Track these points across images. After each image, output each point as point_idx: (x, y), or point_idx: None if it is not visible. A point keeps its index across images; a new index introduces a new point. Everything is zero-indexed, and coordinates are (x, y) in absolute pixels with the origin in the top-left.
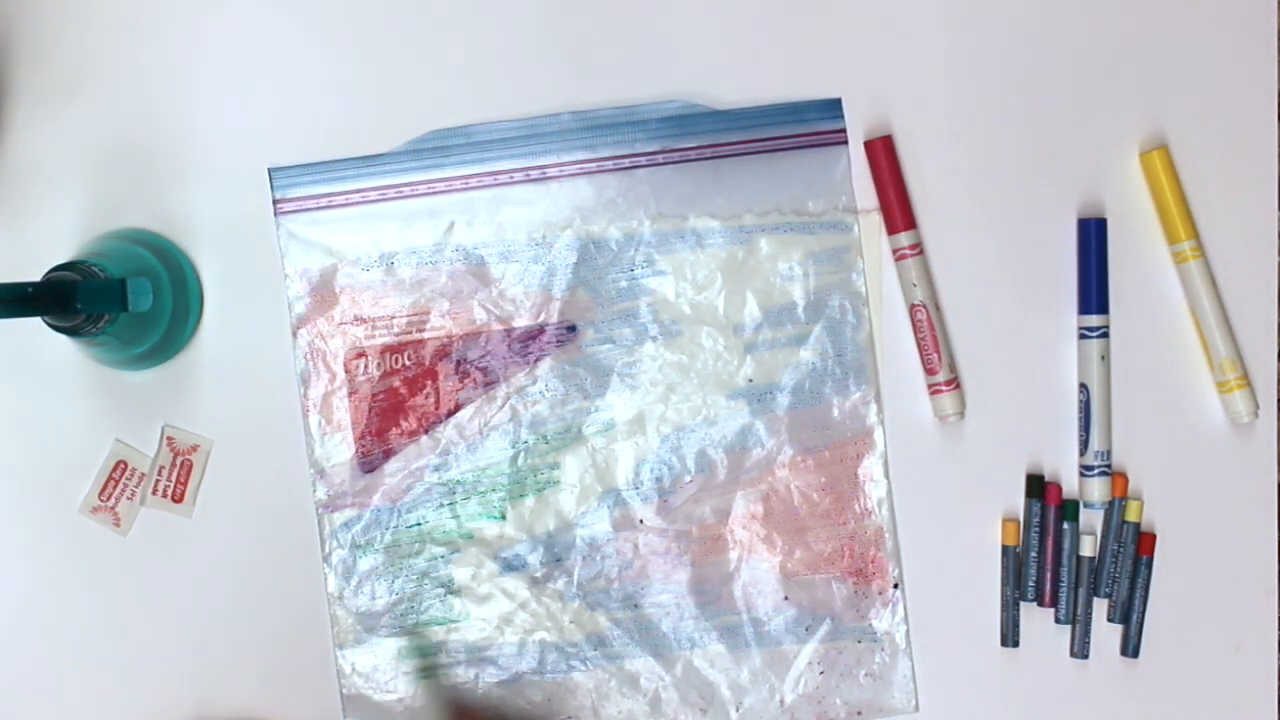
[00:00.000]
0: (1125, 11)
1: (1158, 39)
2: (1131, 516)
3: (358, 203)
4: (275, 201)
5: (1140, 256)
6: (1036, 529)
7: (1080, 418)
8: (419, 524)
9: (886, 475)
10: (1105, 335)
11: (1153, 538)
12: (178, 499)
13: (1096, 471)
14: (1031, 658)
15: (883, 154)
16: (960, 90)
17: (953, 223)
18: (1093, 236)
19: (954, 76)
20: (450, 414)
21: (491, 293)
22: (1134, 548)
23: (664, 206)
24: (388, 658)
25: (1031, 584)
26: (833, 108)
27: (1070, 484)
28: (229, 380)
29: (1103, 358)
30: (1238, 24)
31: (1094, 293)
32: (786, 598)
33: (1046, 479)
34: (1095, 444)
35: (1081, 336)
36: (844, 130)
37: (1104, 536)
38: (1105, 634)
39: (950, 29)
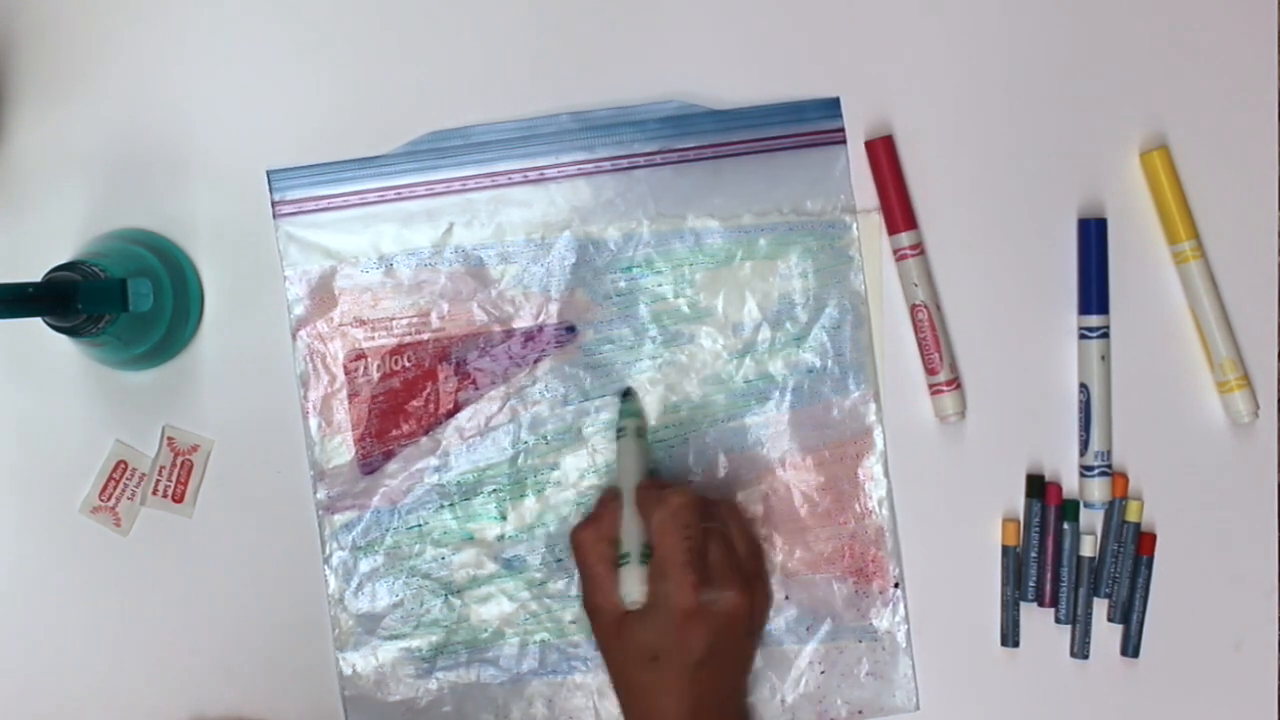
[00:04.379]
0: (1125, 12)
1: (1158, 39)
2: (1131, 516)
3: (356, 204)
4: (274, 203)
5: (1140, 256)
6: (1037, 529)
7: (1080, 418)
8: (419, 525)
9: (886, 475)
10: (1105, 335)
11: (1153, 538)
12: (178, 499)
13: (1097, 472)
14: (1032, 658)
15: (883, 154)
16: (960, 90)
17: (953, 223)
18: (1093, 236)
19: (954, 76)
20: (450, 415)
21: (490, 294)
22: (1134, 548)
23: (663, 207)
24: (388, 659)
25: (1032, 584)
26: (831, 107)
27: (1070, 484)
28: (229, 381)
29: (1103, 358)
30: (1238, 24)
31: (1094, 293)
32: (787, 597)
33: (1047, 479)
34: (1095, 444)
35: (1081, 336)
36: (842, 130)
37: (1104, 536)
38: (1105, 634)
39: (951, 29)
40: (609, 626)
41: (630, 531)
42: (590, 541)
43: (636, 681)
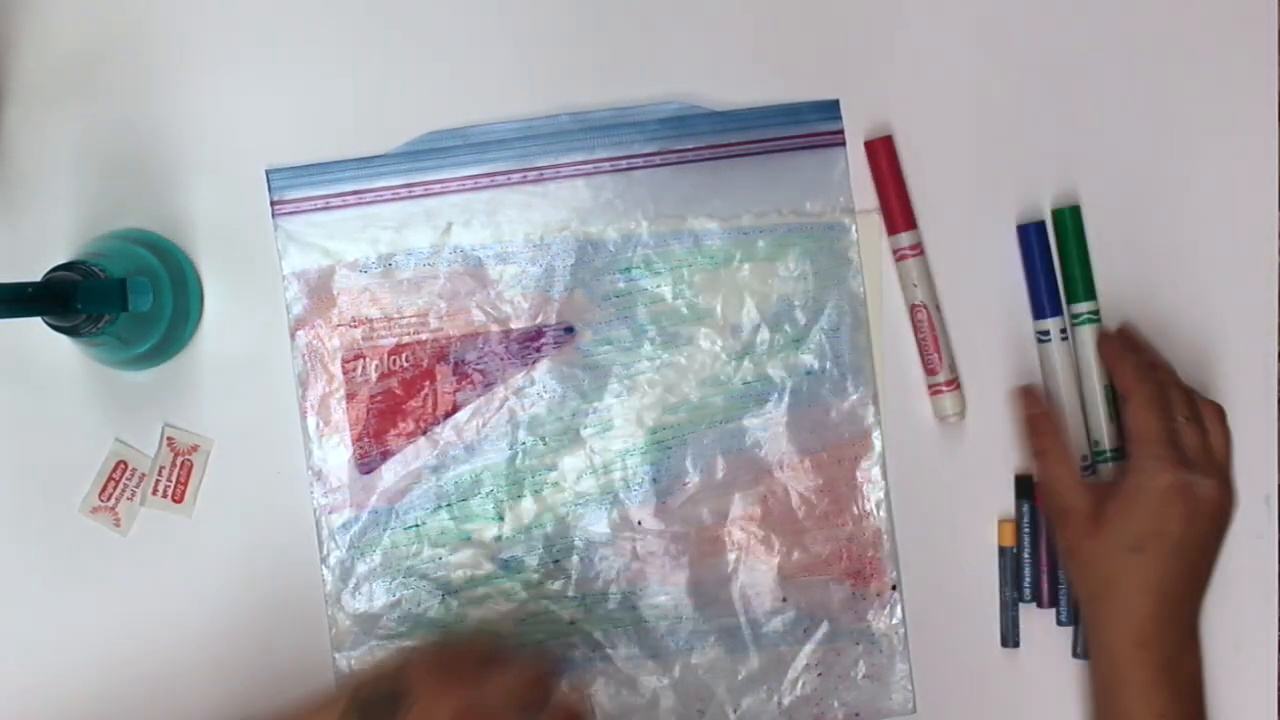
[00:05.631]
0: (1125, 12)
1: (1157, 39)
2: None
3: (355, 204)
4: (273, 203)
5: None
6: (1028, 530)
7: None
8: (417, 525)
9: (884, 477)
10: (1066, 338)
11: None
12: (178, 499)
13: (1083, 473)
14: (1032, 658)
15: (883, 154)
16: (960, 90)
17: (953, 223)
18: (1033, 241)
19: (953, 76)
20: (448, 415)
21: (489, 294)
22: None
23: (662, 208)
24: (386, 659)
25: (1028, 585)
26: (830, 109)
27: None
28: (229, 381)
29: (1061, 360)
30: (1238, 27)
31: (1044, 297)
32: (784, 599)
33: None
34: (1075, 446)
35: (1038, 339)
36: (842, 131)
37: None
38: None
39: (950, 29)
40: (1082, 525)
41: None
42: (1045, 449)
43: (1116, 574)
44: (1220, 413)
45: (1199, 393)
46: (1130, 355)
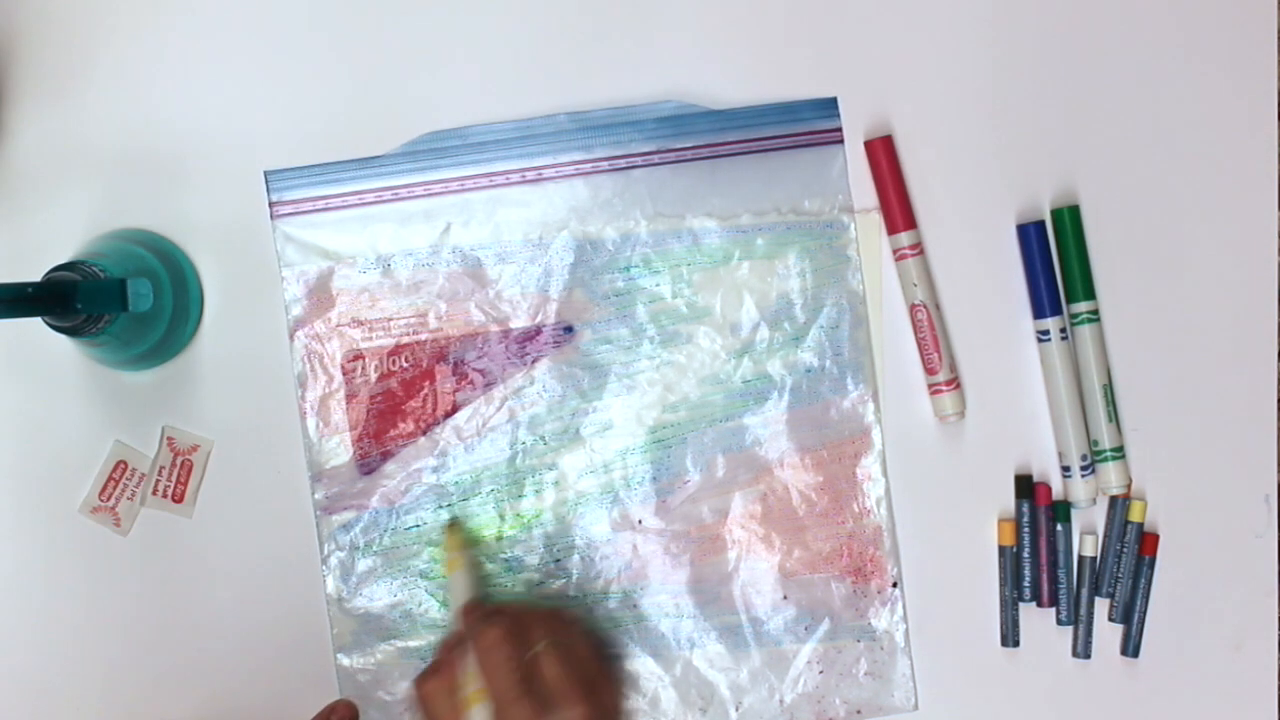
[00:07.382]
0: (1125, 11)
1: (1157, 38)
2: (1135, 517)
3: (354, 205)
4: (271, 204)
5: (1141, 252)
6: (1028, 529)
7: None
8: (417, 526)
9: (884, 474)
10: (1065, 338)
11: (1155, 538)
12: (178, 499)
13: (1081, 472)
14: (1032, 657)
15: (883, 154)
16: (960, 90)
17: (952, 223)
18: (1033, 241)
19: (953, 76)
20: (448, 415)
21: (488, 294)
22: (1137, 548)
23: (660, 206)
24: (387, 659)
25: (1028, 584)
26: (828, 106)
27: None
28: (229, 381)
29: (1061, 360)
30: (1239, 24)
31: (1044, 295)
32: (785, 597)
33: (1040, 480)
34: (1075, 445)
35: (1039, 340)
36: (840, 129)
37: (1106, 536)
38: (1106, 634)
39: (950, 28)
40: None
41: (473, 671)
42: (434, 693)
43: None
44: (564, 620)
45: (548, 609)
46: (471, 621)
